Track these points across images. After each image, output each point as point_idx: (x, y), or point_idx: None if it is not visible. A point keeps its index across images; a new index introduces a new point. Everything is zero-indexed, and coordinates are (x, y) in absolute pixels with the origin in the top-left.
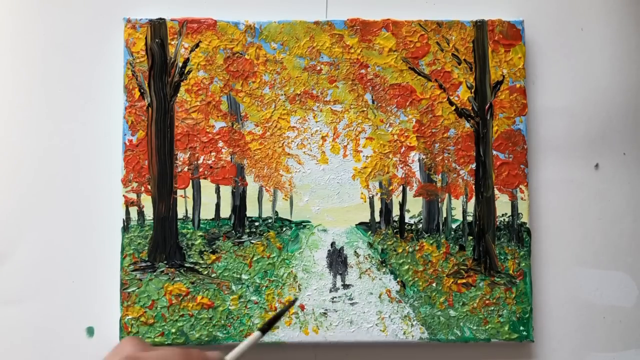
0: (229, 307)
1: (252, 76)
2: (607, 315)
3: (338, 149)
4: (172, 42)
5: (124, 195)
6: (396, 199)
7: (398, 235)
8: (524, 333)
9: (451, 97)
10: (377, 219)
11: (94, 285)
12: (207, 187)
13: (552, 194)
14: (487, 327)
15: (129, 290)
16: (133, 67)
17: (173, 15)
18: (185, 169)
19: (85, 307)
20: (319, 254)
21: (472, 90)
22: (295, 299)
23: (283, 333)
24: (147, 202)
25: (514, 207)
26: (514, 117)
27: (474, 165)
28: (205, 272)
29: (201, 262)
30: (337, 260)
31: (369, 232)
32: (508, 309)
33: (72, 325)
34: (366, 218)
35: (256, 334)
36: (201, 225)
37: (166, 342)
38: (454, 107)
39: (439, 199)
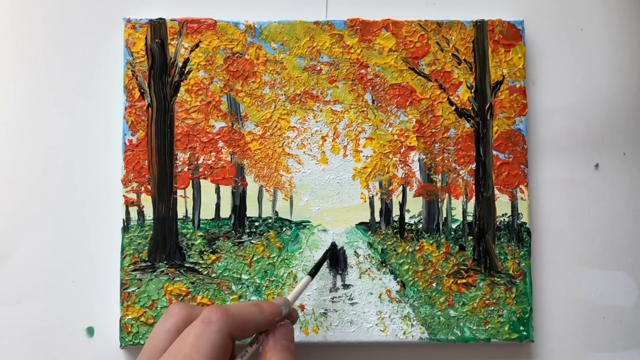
0: None
1: (252, 76)
2: (607, 315)
3: (338, 149)
4: (172, 42)
5: (124, 195)
6: (396, 199)
7: (398, 235)
8: (524, 333)
9: (451, 97)
10: (377, 219)
11: (94, 285)
12: (207, 187)
13: (552, 194)
14: (487, 327)
15: (129, 290)
16: (133, 67)
17: (173, 15)
18: (185, 169)
19: (85, 307)
20: (319, 254)
21: (472, 90)
22: (334, 247)
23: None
24: (147, 202)
25: (514, 207)
26: (514, 117)
27: (474, 165)
28: (205, 272)
29: (201, 262)
30: (337, 261)
31: (369, 232)
32: (508, 309)
33: (72, 325)
34: (366, 218)
35: (307, 277)
36: (201, 225)
37: None
38: (454, 107)
39: (439, 199)
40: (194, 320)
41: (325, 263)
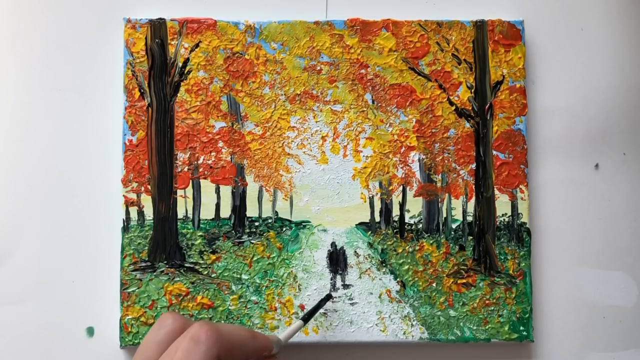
0: (229, 307)
1: (252, 76)
2: (607, 315)
3: (338, 149)
4: (172, 42)
5: (124, 195)
6: (396, 199)
7: (398, 235)
8: (524, 333)
9: (451, 97)
10: (377, 219)
11: (94, 285)
12: (207, 187)
13: (552, 194)
14: (487, 327)
15: (129, 290)
16: (133, 67)
17: (173, 15)
18: (185, 169)
19: (85, 307)
20: (319, 254)
21: (472, 90)
22: (329, 295)
23: (283, 333)
24: (147, 202)
25: (514, 207)
26: (514, 117)
27: (474, 165)
28: (205, 272)
29: (201, 262)
30: (337, 260)
31: (369, 232)
32: (508, 309)
33: (72, 325)
34: (366, 218)
35: (300, 322)
36: (201, 225)
37: None
38: (454, 107)
39: (439, 199)
40: None
41: (326, 263)
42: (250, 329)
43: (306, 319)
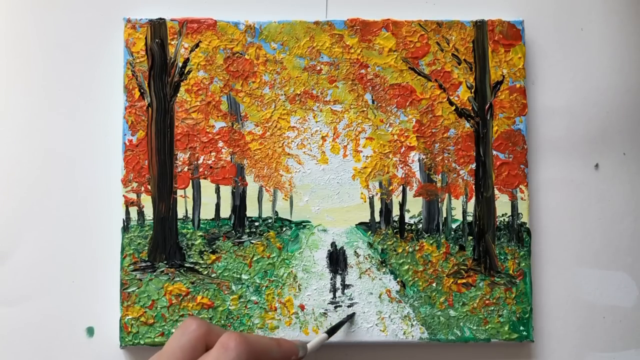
0: (229, 307)
1: (252, 76)
2: (607, 315)
3: (338, 149)
4: (172, 42)
5: (124, 195)
6: (396, 199)
7: (398, 235)
8: (524, 333)
9: (451, 97)
10: (377, 219)
11: (94, 285)
12: (207, 187)
13: (552, 194)
14: (487, 327)
15: (129, 290)
16: (133, 67)
17: (173, 15)
18: (185, 169)
19: (85, 307)
20: (319, 254)
21: (472, 90)
22: (354, 313)
23: (283, 333)
24: (147, 202)
25: (514, 207)
26: (514, 117)
27: (474, 165)
28: (205, 272)
29: (201, 262)
30: (337, 260)
31: (369, 232)
32: (508, 309)
33: (72, 325)
34: (366, 218)
35: (325, 335)
36: (201, 225)
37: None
38: (454, 107)
39: (439, 199)
40: (212, 338)
41: (326, 264)
42: (274, 338)
43: (331, 332)
